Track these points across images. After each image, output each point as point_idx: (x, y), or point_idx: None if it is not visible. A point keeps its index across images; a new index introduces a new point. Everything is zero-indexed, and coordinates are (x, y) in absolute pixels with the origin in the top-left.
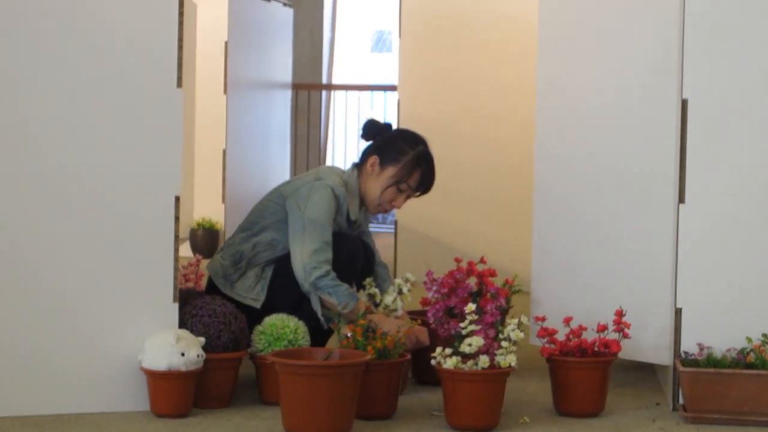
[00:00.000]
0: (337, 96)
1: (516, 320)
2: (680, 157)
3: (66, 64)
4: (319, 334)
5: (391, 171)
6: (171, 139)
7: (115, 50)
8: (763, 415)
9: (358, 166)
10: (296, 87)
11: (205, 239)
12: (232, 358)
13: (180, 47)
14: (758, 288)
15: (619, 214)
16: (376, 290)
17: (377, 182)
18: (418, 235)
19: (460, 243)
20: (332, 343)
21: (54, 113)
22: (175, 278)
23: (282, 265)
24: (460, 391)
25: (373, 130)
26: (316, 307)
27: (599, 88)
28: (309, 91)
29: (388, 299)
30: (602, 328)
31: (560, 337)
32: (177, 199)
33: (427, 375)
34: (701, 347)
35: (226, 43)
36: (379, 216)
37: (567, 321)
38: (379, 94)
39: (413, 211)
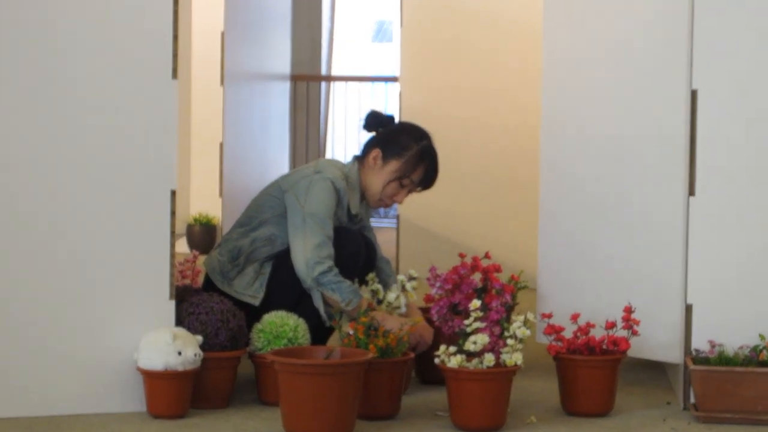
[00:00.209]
0: (337, 87)
1: (522, 317)
2: (690, 149)
3: (58, 55)
4: (320, 332)
5: (393, 165)
6: (166, 132)
7: (108, 40)
8: None
9: (360, 159)
10: (295, 78)
11: (202, 235)
12: (231, 357)
13: (175, 37)
14: None
15: (628, 207)
16: (379, 286)
17: (379, 176)
18: (421, 230)
19: (464, 238)
20: (333, 341)
21: (45, 105)
22: (172, 275)
23: (281, 260)
24: (465, 390)
25: (375, 121)
26: (318, 303)
27: (606, 77)
28: (308, 82)
29: (391, 296)
30: (611, 326)
31: (567, 334)
32: (173, 193)
33: (431, 374)
34: (713, 345)
35: (222, 33)
36: (381, 210)
37: (574, 318)
38: (379, 86)
39: (416, 205)
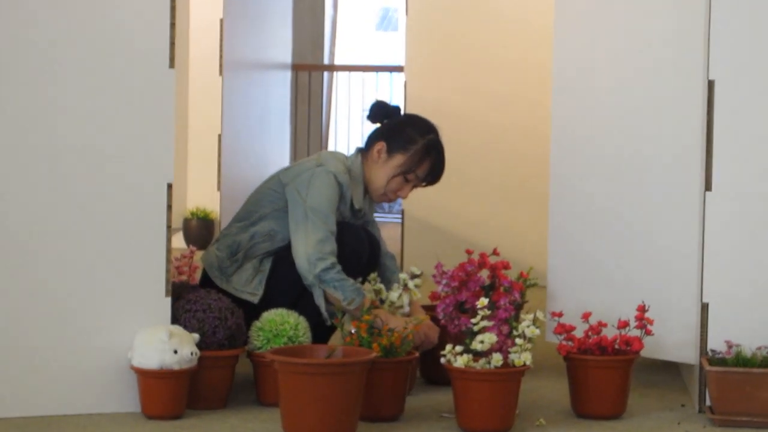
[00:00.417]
0: (340, 77)
1: (531, 316)
2: (706, 142)
3: (51, 44)
4: (321, 331)
5: (398, 160)
6: (163, 123)
7: (103, 28)
8: None
9: (363, 152)
10: (296, 68)
11: (200, 229)
12: (229, 356)
13: (172, 25)
14: None
15: (641, 202)
16: (382, 286)
17: (383, 170)
18: (427, 225)
19: (472, 233)
20: (335, 340)
21: (37, 96)
22: (168, 271)
23: (281, 256)
24: (472, 391)
25: (381, 112)
26: (320, 301)
27: (619, 67)
28: (310, 72)
29: (393, 296)
30: (623, 325)
31: (578, 333)
32: (169, 186)
33: (436, 374)
34: (729, 345)
35: (221, 20)
36: (385, 205)
37: (586, 317)
38: (384, 75)
39: (421, 199)
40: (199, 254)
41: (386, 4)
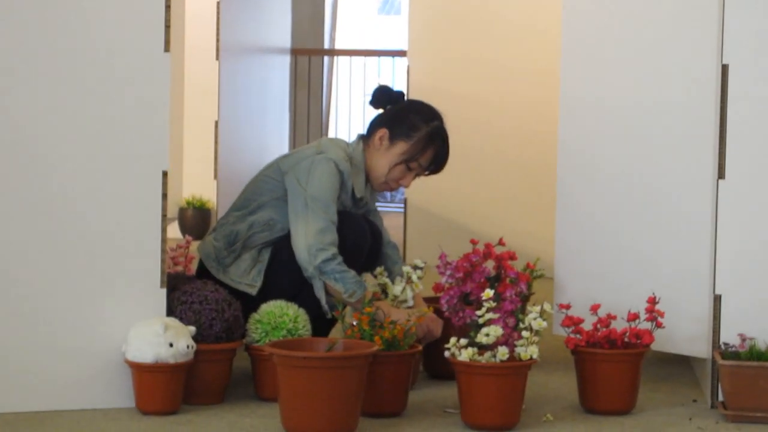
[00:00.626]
0: (341, 62)
1: (538, 308)
2: (720, 128)
3: (41, 26)
4: (322, 323)
5: (401, 147)
6: (158, 109)
7: (95, 10)
8: None
9: (365, 139)
10: (296, 52)
11: (196, 219)
12: (226, 349)
13: (167, 7)
14: None
15: (652, 191)
16: (388, 280)
17: (385, 158)
18: (430, 215)
19: (476, 223)
20: (336, 332)
21: (27, 81)
22: (163, 261)
23: (280, 247)
24: (477, 385)
25: (384, 97)
26: (320, 293)
27: (629, 50)
28: (310, 56)
29: (397, 289)
30: (633, 317)
31: (587, 326)
32: (165, 174)
33: (440, 368)
34: (743, 338)
35: (218, 2)
36: (387, 194)
37: (594, 309)
38: (386, 60)
39: (424, 188)
40: (195, 244)
41: None
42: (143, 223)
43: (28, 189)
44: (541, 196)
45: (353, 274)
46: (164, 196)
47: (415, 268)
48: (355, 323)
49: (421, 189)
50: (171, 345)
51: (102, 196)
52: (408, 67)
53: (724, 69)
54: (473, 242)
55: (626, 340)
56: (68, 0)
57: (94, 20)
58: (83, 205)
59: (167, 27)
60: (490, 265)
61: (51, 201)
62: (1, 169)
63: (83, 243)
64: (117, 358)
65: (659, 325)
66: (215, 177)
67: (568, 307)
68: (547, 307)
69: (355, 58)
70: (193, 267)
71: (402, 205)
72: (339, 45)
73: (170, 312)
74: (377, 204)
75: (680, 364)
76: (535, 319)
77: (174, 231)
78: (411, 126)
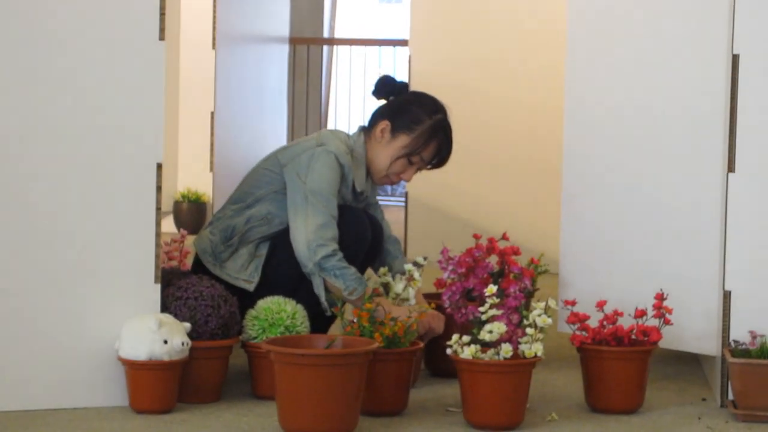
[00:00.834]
0: (341, 52)
1: (543, 304)
2: (730, 120)
3: (33, 12)
4: (320, 320)
5: (403, 140)
6: (152, 99)
7: None
8: None
9: (366, 131)
10: (294, 41)
11: (191, 212)
12: (222, 346)
13: None
14: None
15: (660, 184)
16: (390, 279)
17: (386, 151)
18: (432, 209)
19: (479, 217)
20: (335, 329)
21: (18, 68)
22: (157, 256)
23: (279, 241)
24: (479, 384)
25: (386, 88)
26: (319, 290)
27: (637, 40)
28: (309, 45)
29: (398, 287)
30: (641, 314)
31: (593, 323)
32: (159, 166)
33: (441, 366)
34: (753, 335)
35: None
36: (388, 187)
37: (600, 305)
38: (387, 50)
39: (426, 181)
40: (190, 239)
41: None
42: (137, 216)
43: (17, 181)
44: (545, 190)
45: (354, 270)
46: (159, 188)
47: (416, 265)
48: (354, 320)
49: (423, 182)
50: (165, 342)
51: (95, 189)
52: (409, 57)
53: (735, 59)
54: (476, 237)
55: (633, 337)
56: None
57: (87, 7)
58: (75, 198)
59: (162, 15)
60: (493, 260)
61: (42, 194)
62: None
63: (75, 237)
64: (110, 355)
65: (667, 322)
66: (211, 169)
67: (573, 303)
68: (551, 303)
69: (356, 48)
70: (188, 262)
71: (403, 199)
72: (339, 34)
73: (164, 308)
74: (377, 197)
75: (689, 362)
76: (539, 315)
77: (169, 225)
78: (414, 119)
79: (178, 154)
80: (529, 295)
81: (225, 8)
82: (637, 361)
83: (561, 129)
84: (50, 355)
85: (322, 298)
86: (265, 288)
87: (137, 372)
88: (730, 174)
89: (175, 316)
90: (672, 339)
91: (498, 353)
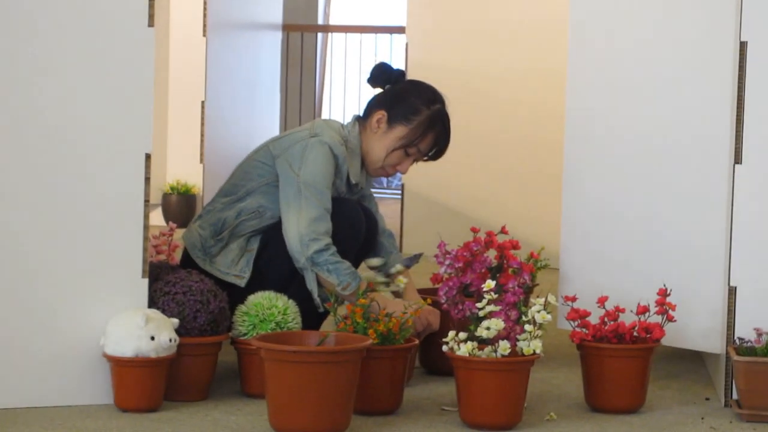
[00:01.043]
0: (335, 39)
1: (542, 300)
2: (737, 110)
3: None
4: (312, 316)
5: (400, 131)
6: (141, 88)
7: None
8: None
9: (361, 121)
10: (288, 28)
11: (180, 205)
12: (211, 343)
13: None
14: None
15: (664, 176)
16: (381, 278)
17: (382, 142)
18: (429, 201)
19: (477, 210)
20: (327, 326)
21: (3, 58)
22: (145, 250)
23: (270, 235)
24: (476, 382)
25: (382, 76)
26: (312, 286)
27: (641, 28)
28: (302, 33)
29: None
30: (643, 310)
31: (594, 320)
32: (148, 157)
33: (437, 363)
34: (759, 333)
35: None
36: (383, 179)
37: (601, 301)
38: (384, 37)
39: (422, 173)
40: (179, 232)
41: None
42: (124, 208)
43: (0, 172)
44: (546, 182)
45: (347, 265)
46: (147, 180)
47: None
48: (348, 315)
49: (420, 174)
50: (152, 338)
51: (81, 180)
52: (406, 44)
53: (743, 46)
54: (474, 230)
55: (635, 334)
56: None
57: None
58: (60, 189)
59: (151, 0)
60: (491, 254)
61: (25, 185)
62: None
63: (60, 230)
64: (95, 351)
65: (670, 319)
66: (201, 161)
67: (573, 299)
68: (551, 299)
69: (351, 35)
70: (177, 256)
71: (399, 191)
72: (333, 21)
73: (152, 303)
74: (372, 190)
75: (692, 360)
76: (538, 311)
77: (157, 218)
78: (411, 109)
79: (167, 145)
80: (528, 290)
81: None
82: (639, 359)
83: (562, 119)
84: (32, 351)
85: (315, 294)
86: (256, 283)
87: (123, 369)
88: (737, 165)
89: (163, 311)
90: (675, 336)
91: (495, 350)
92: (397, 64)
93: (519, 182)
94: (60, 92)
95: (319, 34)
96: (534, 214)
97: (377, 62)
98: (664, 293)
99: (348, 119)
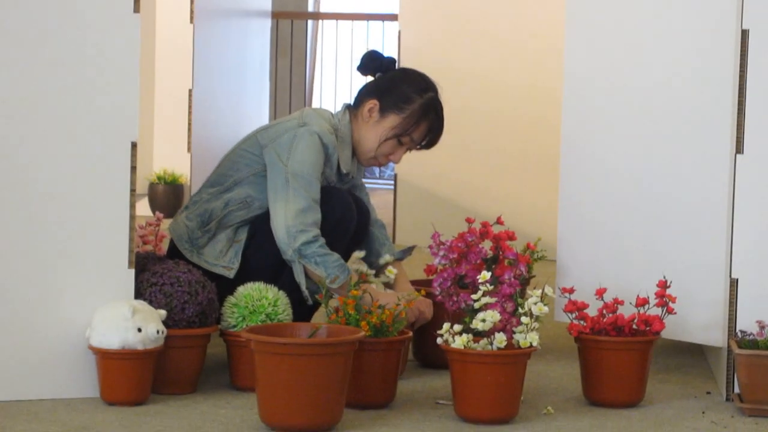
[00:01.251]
0: (326, 26)
1: (539, 292)
2: (738, 99)
3: None
4: (304, 307)
5: (392, 120)
6: (127, 76)
7: None
8: None
9: (352, 109)
10: (277, 15)
11: (167, 195)
12: (199, 334)
13: None
14: None
15: (664, 165)
16: (365, 269)
17: (374, 132)
18: (422, 192)
19: (472, 200)
20: (319, 317)
21: None
22: (131, 240)
23: (258, 226)
24: (471, 375)
25: (373, 63)
26: (300, 278)
27: (639, 14)
28: (292, 20)
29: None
30: (642, 302)
31: (592, 312)
32: (134, 146)
33: (431, 356)
34: (761, 325)
35: None
36: (375, 169)
37: (600, 293)
38: (375, 25)
39: (416, 163)
40: (166, 222)
41: None
42: (110, 198)
43: None
44: (542, 171)
45: (336, 257)
46: (133, 169)
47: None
48: (339, 307)
49: (413, 164)
50: (139, 330)
51: (65, 170)
52: (399, 32)
53: (744, 35)
54: (469, 221)
55: (634, 327)
56: None
57: None
58: (44, 179)
59: None
60: (487, 245)
61: (9, 174)
62: None
63: (44, 220)
64: (80, 343)
65: (670, 311)
66: (189, 150)
67: (571, 291)
68: (548, 290)
69: (342, 22)
70: (164, 246)
71: (391, 182)
72: (324, 8)
73: (139, 294)
74: (364, 180)
75: (693, 354)
76: (535, 303)
77: (143, 208)
78: (403, 98)
79: (153, 134)
80: (524, 282)
81: None
82: (638, 352)
83: (558, 109)
84: (17, 342)
85: (303, 286)
86: (245, 274)
87: (109, 361)
88: (738, 155)
89: (150, 302)
90: (675, 329)
91: (491, 343)
92: (390, 51)
93: (515, 172)
94: (44, 79)
95: (310, 21)
96: (530, 205)
97: (368, 50)
98: (664, 285)
99: (338, 108)
